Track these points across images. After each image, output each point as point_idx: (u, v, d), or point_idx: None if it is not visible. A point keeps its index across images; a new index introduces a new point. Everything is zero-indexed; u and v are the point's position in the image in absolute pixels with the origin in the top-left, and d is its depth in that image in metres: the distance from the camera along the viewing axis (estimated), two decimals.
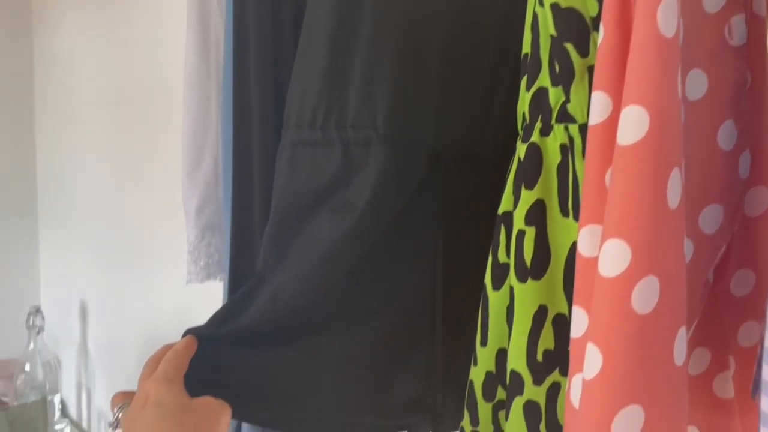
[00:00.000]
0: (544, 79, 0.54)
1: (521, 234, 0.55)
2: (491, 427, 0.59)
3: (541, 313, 0.54)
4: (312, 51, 0.62)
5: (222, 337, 0.63)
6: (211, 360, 0.62)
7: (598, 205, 0.46)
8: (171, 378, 0.57)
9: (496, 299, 0.57)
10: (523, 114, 0.56)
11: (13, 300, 1.98)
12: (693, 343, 0.54)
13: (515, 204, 0.56)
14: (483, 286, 0.58)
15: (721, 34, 0.50)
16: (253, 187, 0.69)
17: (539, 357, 0.54)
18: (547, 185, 0.54)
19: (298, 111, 0.62)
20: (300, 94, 0.62)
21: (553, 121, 0.54)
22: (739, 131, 0.51)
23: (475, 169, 0.65)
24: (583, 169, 0.49)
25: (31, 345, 1.71)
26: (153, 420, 0.54)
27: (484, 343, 0.58)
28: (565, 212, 0.54)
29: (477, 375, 0.59)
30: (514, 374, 0.54)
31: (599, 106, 0.46)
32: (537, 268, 0.54)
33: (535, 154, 0.55)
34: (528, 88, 0.55)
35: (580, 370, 0.45)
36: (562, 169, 0.54)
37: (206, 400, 0.57)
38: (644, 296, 0.42)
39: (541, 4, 0.53)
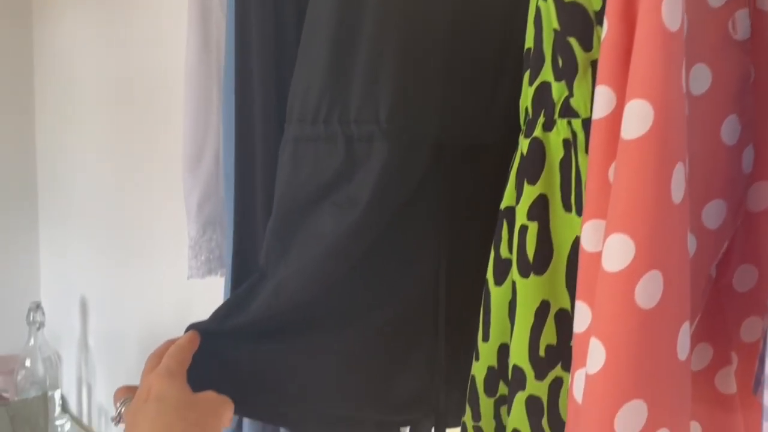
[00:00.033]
0: (547, 74, 0.54)
1: (524, 229, 0.54)
2: (493, 423, 0.59)
3: (543, 309, 0.54)
4: (314, 47, 0.62)
5: (225, 333, 0.63)
6: (213, 355, 0.62)
7: (601, 199, 0.46)
8: (174, 372, 0.57)
9: (498, 294, 0.57)
10: (526, 108, 0.56)
11: (13, 296, 1.98)
12: (695, 339, 0.54)
13: (518, 199, 0.55)
14: (485, 282, 0.58)
15: (725, 28, 0.49)
16: (255, 183, 0.69)
17: (541, 352, 0.54)
18: (550, 180, 0.54)
19: (300, 106, 0.62)
20: (303, 90, 0.62)
21: (556, 115, 0.54)
22: (742, 126, 0.51)
23: (478, 164, 0.65)
24: (586, 164, 0.48)
25: (32, 341, 1.71)
26: (155, 414, 0.54)
27: (486, 338, 0.58)
28: (567, 207, 0.54)
29: (479, 370, 0.59)
30: (517, 369, 0.54)
31: (603, 100, 0.46)
32: (539, 263, 0.54)
33: (538, 148, 0.54)
34: (531, 83, 0.55)
35: (583, 365, 0.45)
36: (565, 164, 0.54)
37: (209, 395, 0.57)
38: (648, 291, 0.42)
39: None
